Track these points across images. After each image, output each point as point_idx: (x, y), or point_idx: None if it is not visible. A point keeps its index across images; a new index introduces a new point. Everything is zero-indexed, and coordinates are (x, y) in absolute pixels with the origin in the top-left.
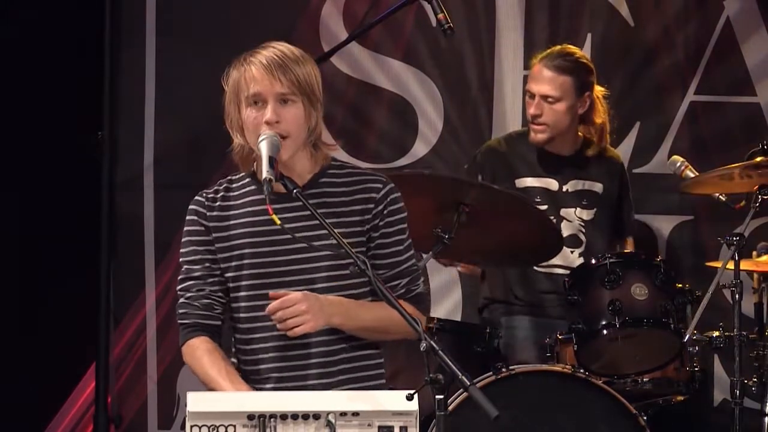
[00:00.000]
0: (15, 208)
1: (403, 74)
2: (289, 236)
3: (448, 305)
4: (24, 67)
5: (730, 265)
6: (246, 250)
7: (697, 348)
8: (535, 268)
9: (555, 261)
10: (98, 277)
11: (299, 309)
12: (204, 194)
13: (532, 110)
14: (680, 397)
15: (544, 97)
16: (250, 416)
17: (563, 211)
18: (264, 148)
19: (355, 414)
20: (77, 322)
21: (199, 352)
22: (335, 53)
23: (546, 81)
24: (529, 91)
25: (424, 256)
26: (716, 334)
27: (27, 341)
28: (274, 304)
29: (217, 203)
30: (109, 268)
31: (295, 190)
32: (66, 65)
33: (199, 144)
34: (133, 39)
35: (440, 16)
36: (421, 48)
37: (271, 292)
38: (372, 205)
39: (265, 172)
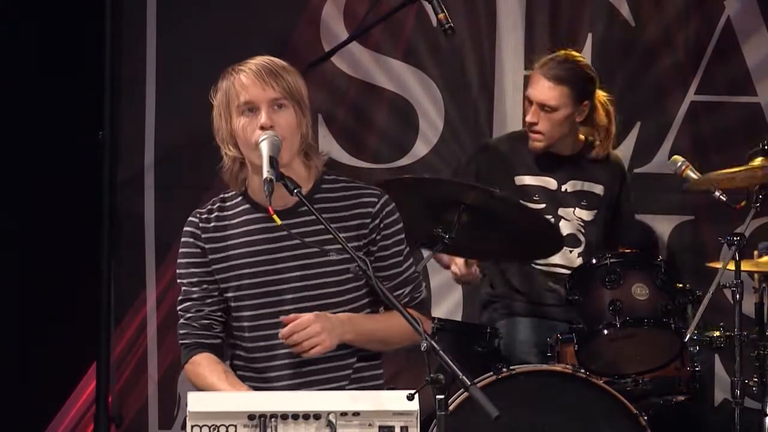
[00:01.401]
0: (15, 207)
1: (404, 74)
2: (286, 254)
3: (448, 305)
4: (25, 67)
5: (731, 266)
6: (245, 271)
7: (697, 348)
8: (536, 266)
9: (555, 260)
10: (98, 277)
11: (313, 330)
12: (198, 214)
13: (528, 117)
14: (681, 397)
15: (541, 106)
16: (251, 416)
17: (561, 210)
18: (265, 148)
19: (356, 414)
20: (77, 322)
21: (200, 367)
22: (336, 53)
23: (543, 90)
24: (527, 98)
25: (425, 255)
26: (717, 334)
27: (27, 341)
28: (286, 329)
29: (212, 224)
30: (110, 268)
31: (296, 190)
32: (67, 65)
33: (200, 144)
34: (134, 39)
35: (441, 16)
36: (421, 48)
37: (282, 317)
38: (368, 220)
39: (265, 172)
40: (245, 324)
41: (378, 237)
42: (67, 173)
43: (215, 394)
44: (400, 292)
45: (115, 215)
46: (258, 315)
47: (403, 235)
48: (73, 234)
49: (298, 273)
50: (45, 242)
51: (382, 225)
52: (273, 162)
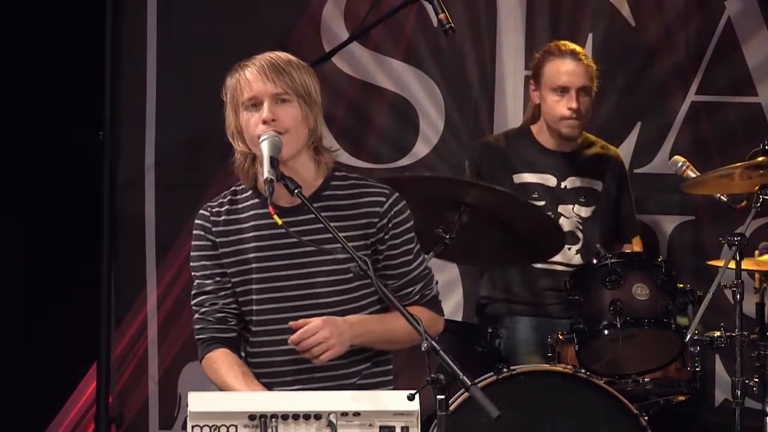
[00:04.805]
0: (16, 207)
1: (404, 74)
2: (293, 250)
3: (448, 305)
4: (25, 67)
5: (732, 266)
6: (254, 265)
7: (698, 348)
8: (534, 265)
9: (554, 258)
10: (99, 277)
11: (323, 336)
12: (209, 208)
13: (573, 104)
14: (681, 397)
15: (582, 89)
16: (252, 416)
17: (561, 208)
18: (265, 148)
19: (357, 414)
20: (78, 322)
21: (217, 363)
22: (336, 53)
23: (581, 72)
24: (560, 87)
25: (426, 257)
26: (717, 334)
27: (28, 341)
28: (296, 336)
29: (222, 217)
30: (110, 268)
31: (296, 190)
32: (67, 65)
33: (200, 144)
34: (134, 39)
35: (441, 16)
36: (422, 48)
37: (291, 323)
38: (376, 219)
39: (266, 173)
40: (254, 318)
41: (386, 236)
42: (67, 173)
43: (216, 393)
44: (410, 289)
45: (115, 215)
46: (266, 309)
47: (413, 234)
48: (73, 234)
49: (306, 270)
50: (45, 242)
51: (390, 224)
52: (273, 162)
